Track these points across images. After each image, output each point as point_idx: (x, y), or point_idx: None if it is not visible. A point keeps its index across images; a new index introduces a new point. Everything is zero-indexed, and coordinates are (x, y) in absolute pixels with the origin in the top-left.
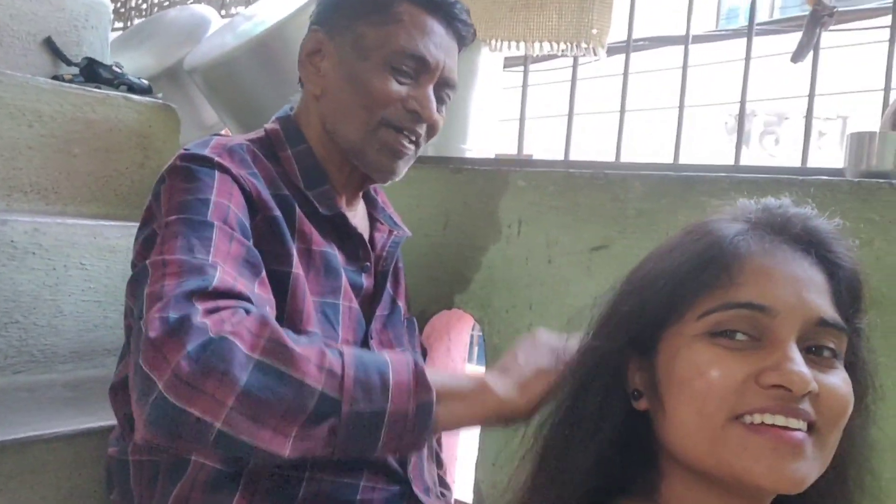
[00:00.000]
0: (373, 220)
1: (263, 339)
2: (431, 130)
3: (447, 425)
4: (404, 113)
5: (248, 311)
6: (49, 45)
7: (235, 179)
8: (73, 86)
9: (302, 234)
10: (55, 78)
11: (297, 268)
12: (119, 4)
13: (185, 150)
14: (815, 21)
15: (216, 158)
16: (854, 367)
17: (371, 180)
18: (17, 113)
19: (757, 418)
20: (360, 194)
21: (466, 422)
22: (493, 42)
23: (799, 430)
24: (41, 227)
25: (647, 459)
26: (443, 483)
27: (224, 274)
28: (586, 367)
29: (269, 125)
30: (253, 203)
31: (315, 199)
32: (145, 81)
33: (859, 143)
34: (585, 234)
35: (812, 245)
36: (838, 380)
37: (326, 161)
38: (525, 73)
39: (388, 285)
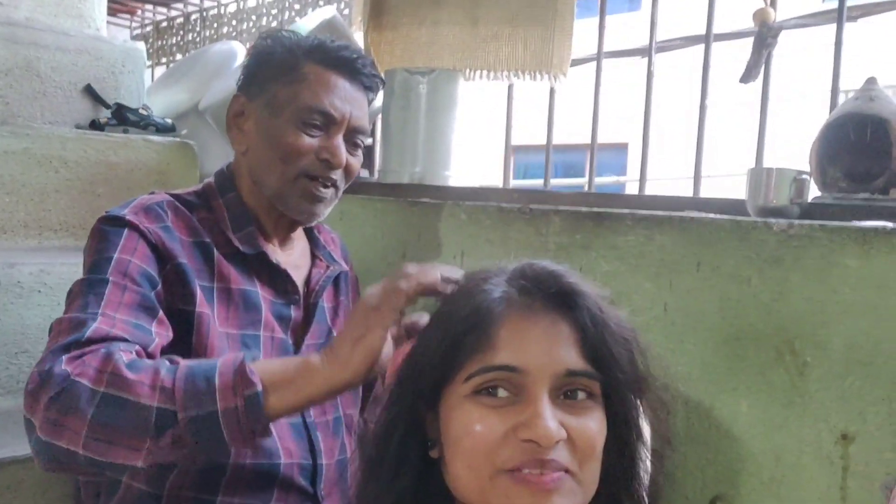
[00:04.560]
0: (314, 258)
1: (106, 374)
2: (348, 173)
3: (283, 410)
4: (317, 163)
5: (105, 350)
6: (89, 91)
7: (142, 234)
8: (96, 132)
9: (220, 275)
10: (93, 122)
11: (201, 307)
12: (161, 43)
13: (106, 212)
14: (761, 42)
15: (127, 217)
16: (614, 405)
17: (299, 222)
18: (44, 161)
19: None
20: (293, 235)
21: (301, 403)
22: (468, 72)
23: (556, 471)
24: (46, 267)
25: (445, 498)
26: None
27: (102, 323)
28: (387, 418)
29: (207, 179)
30: (160, 253)
31: (239, 240)
32: (169, 121)
33: (757, 178)
34: None
35: (564, 301)
36: (589, 420)
37: (256, 208)
38: (509, 101)
39: (327, 316)
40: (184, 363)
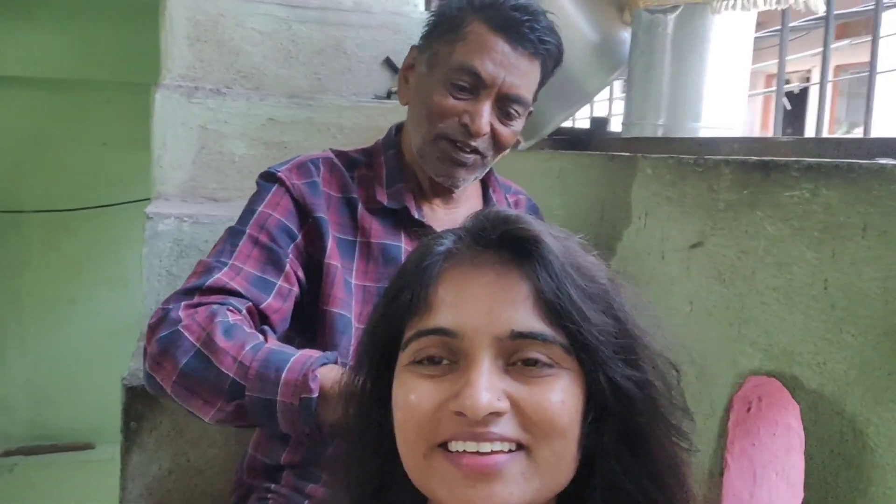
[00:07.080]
0: None
1: (205, 333)
2: (497, 143)
3: (333, 421)
4: (458, 127)
5: (216, 307)
6: (388, 64)
7: (288, 190)
8: (369, 100)
9: (363, 229)
10: (390, 92)
11: (331, 258)
12: None
13: (267, 168)
14: None
15: (278, 173)
16: (592, 372)
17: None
18: (323, 128)
19: (453, 446)
20: (459, 194)
21: None
22: (715, 4)
23: (499, 452)
24: None
25: (409, 485)
26: None
27: (225, 274)
28: (347, 394)
29: (379, 137)
30: (301, 207)
31: (389, 195)
32: None
33: None
34: (688, 229)
35: (515, 252)
36: (547, 392)
37: (414, 164)
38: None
39: None
40: (268, 346)
